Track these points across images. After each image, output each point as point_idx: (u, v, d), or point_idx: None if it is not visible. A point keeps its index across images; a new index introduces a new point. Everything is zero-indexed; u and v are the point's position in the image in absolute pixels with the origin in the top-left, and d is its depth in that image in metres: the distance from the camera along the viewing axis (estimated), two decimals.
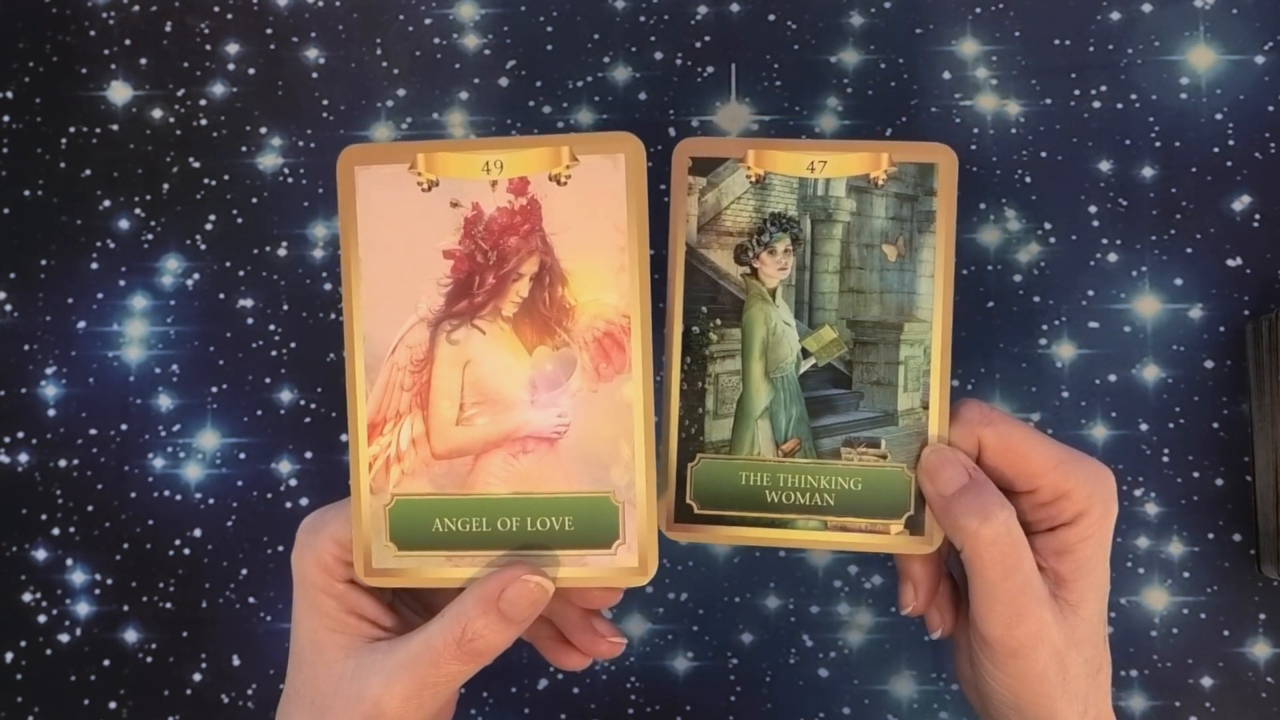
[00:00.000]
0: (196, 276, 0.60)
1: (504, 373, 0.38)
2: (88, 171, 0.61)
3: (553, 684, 0.57)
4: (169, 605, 0.59)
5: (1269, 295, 0.56)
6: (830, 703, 0.56)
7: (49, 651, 0.59)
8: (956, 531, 0.38)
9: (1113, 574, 0.55)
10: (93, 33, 0.61)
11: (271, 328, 0.59)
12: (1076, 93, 0.58)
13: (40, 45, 0.61)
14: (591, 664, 0.57)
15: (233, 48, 0.61)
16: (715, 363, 0.41)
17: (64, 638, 0.59)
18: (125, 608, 0.59)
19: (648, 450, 0.38)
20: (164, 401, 0.59)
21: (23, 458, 0.60)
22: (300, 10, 0.61)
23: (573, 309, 0.38)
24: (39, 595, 0.59)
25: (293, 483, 0.59)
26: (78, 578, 0.59)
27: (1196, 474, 0.56)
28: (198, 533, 0.59)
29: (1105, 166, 0.57)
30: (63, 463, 0.59)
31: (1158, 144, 0.57)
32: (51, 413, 0.60)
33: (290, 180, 0.60)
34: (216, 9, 0.61)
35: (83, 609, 0.59)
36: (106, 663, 0.59)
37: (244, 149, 0.60)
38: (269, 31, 0.61)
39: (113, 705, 0.59)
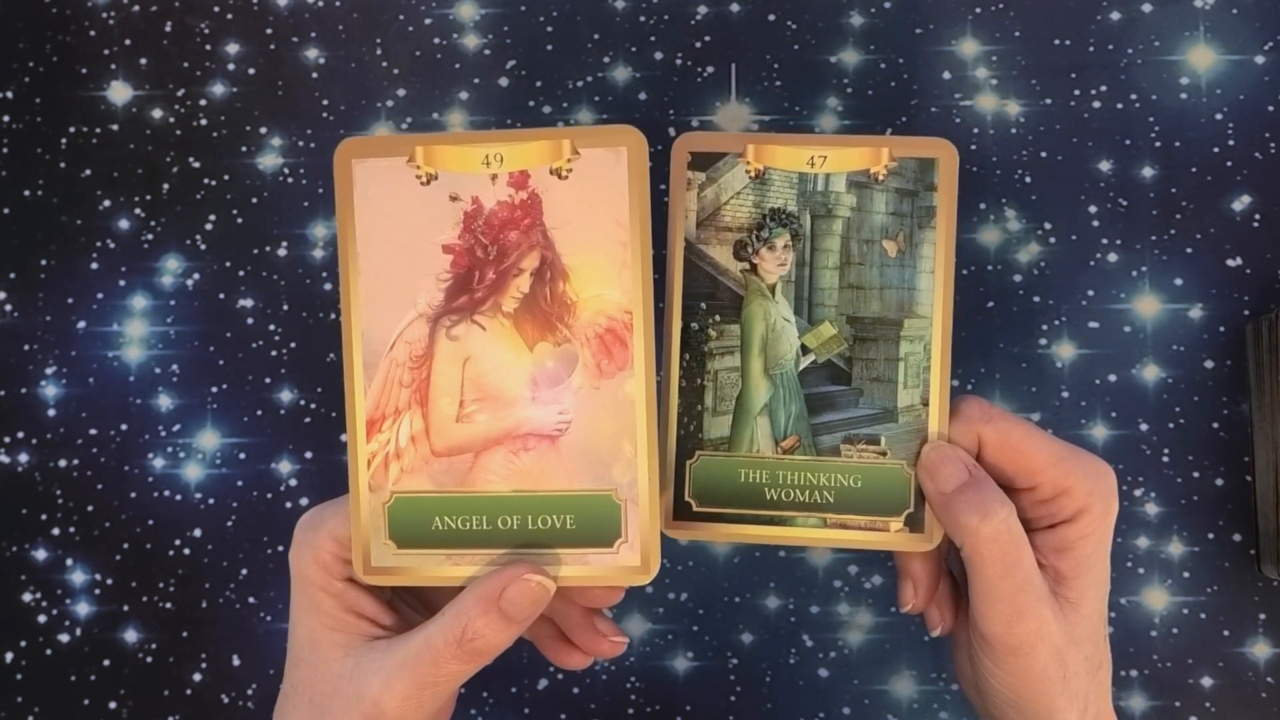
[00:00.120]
0: (196, 276, 0.60)
1: (504, 369, 0.37)
2: (88, 171, 0.61)
3: (553, 684, 0.57)
4: (169, 605, 0.59)
5: (1269, 295, 0.56)
6: (830, 703, 0.56)
7: (49, 651, 0.59)
8: (956, 529, 0.38)
9: (1113, 574, 0.55)
10: (93, 33, 0.61)
11: (271, 328, 0.59)
12: (1076, 93, 0.58)
13: (40, 45, 0.61)
14: (592, 664, 0.57)
15: (233, 48, 0.61)
16: (714, 359, 0.41)
17: (64, 638, 0.59)
18: (125, 608, 0.59)
19: (650, 448, 0.37)
20: (164, 401, 0.59)
21: (23, 458, 0.60)
22: (300, 10, 0.61)
23: (574, 305, 0.37)
24: (39, 595, 0.59)
25: (293, 483, 0.59)
26: (78, 578, 0.59)
27: (1196, 474, 0.56)
28: (198, 533, 0.59)
29: (1105, 166, 0.57)
30: (63, 463, 0.59)
31: (1158, 144, 0.57)
32: (51, 413, 0.60)
33: (290, 180, 0.60)
34: (216, 9, 0.61)
35: (83, 609, 0.59)
36: (106, 663, 0.59)
37: (244, 149, 0.60)
38: (269, 31, 0.61)
39: (113, 705, 0.59)
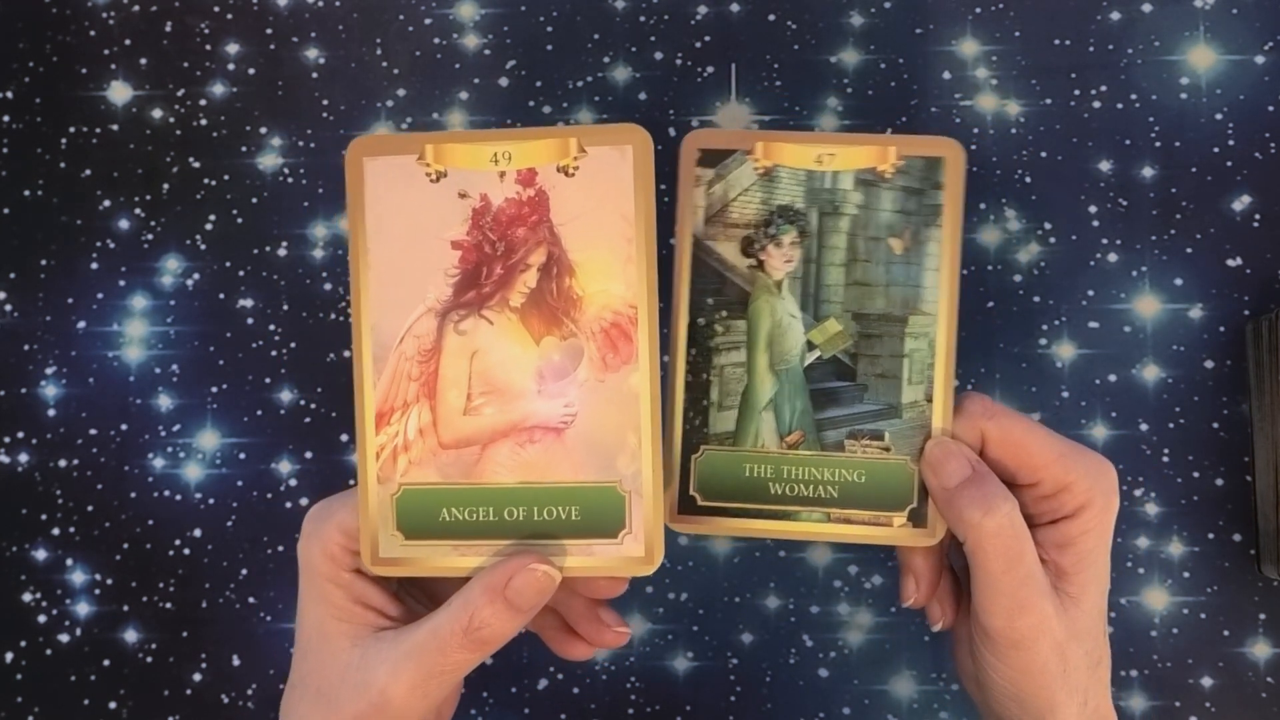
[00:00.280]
0: (196, 276, 0.60)
1: (511, 363, 0.38)
2: (88, 171, 0.61)
3: (553, 684, 0.57)
4: (169, 605, 0.59)
5: (1269, 295, 0.56)
6: (830, 703, 0.56)
7: (49, 651, 0.59)
8: (959, 523, 0.38)
9: (1113, 574, 0.55)
10: (93, 33, 0.61)
11: (271, 328, 0.59)
12: (1076, 93, 0.58)
13: (40, 45, 0.61)
14: (592, 664, 0.57)
15: (233, 48, 0.61)
16: (720, 354, 0.41)
17: (64, 638, 0.59)
18: (125, 608, 0.59)
19: (654, 440, 0.38)
20: (164, 401, 0.59)
21: (23, 458, 0.60)
22: (300, 10, 0.61)
23: (580, 299, 0.38)
24: (39, 595, 0.59)
25: (293, 483, 0.59)
26: (78, 578, 0.59)
27: (1196, 474, 0.56)
28: (198, 533, 0.59)
29: (1105, 166, 0.57)
30: (63, 463, 0.59)
31: (1158, 144, 0.57)
32: (51, 413, 0.60)
33: (290, 180, 0.60)
34: (216, 9, 0.61)
35: (83, 609, 0.59)
36: (106, 663, 0.59)
37: (244, 149, 0.60)
38: (269, 31, 0.61)
39: (113, 705, 0.59)
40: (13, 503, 0.59)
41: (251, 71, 0.61)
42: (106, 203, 0.60)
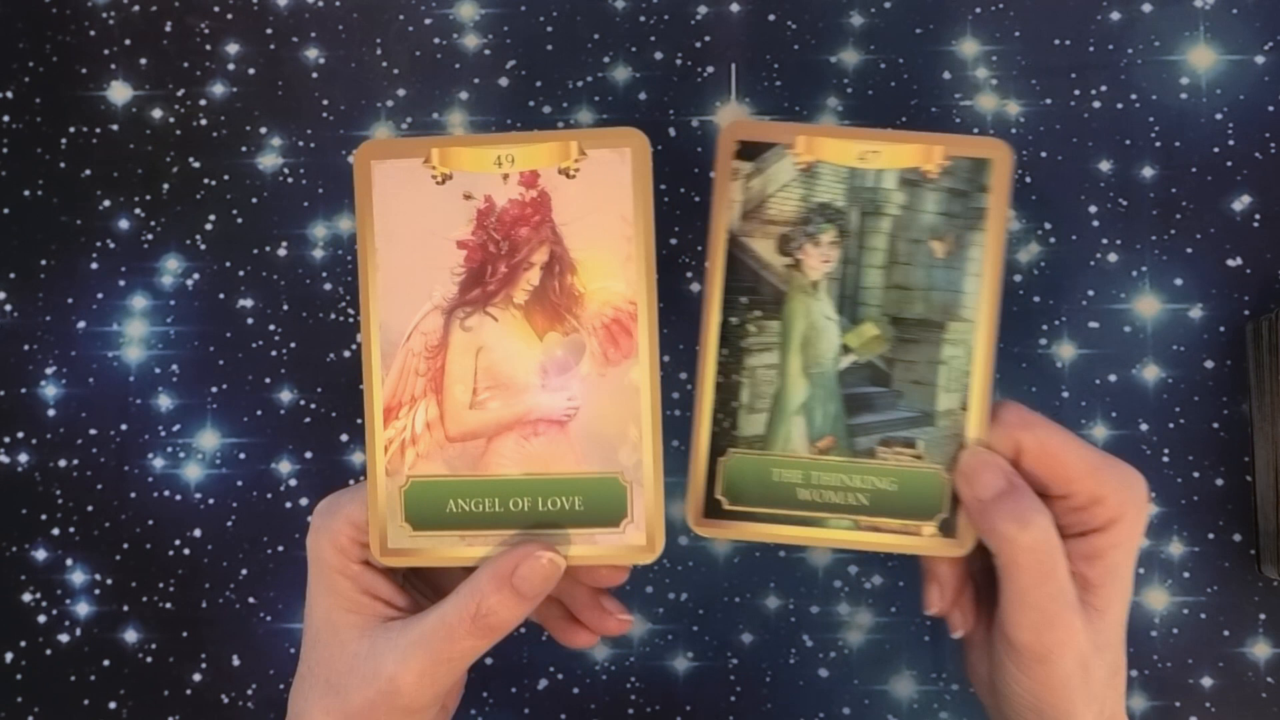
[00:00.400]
0: (196, 276, 0.60)
1: (516, 358, 0.39)
2: (88, 171, 0.61)
3: (553, 684, 0.57)
4: (169, 605, 0.59)
5: (1269, 295, 0.56)
6: (830, 703, 0.56)
7: (49, 651, 0.59)
8: (993, 537, 0.38)
9: None
10: (93, 33, 0.61)
11: (271, 328, 0.59)
12: (1076, 93, 0.58)
13: (40, 45, 0.61)
14: (592, 664, 0.57)
15: (233, 48, 0.61)
16: (752, 355, 0.40)
17: (64, 638, 0.59)
18: (125, 608, 0.59)
19: (654, 432, 0.39)
20: (164, 401, 0.59)
21: (23, 458, 0.60)
22: (300, 10, 0.61)
23: (582, 296, 0.39)
24: (39, 595, 0.59)
25: (293, 483, 0.59)
26: (78, 578, 0.59)
27: (1196, 474, 0.56)
28: (198, 533, 0.59)
29: (1105, 166, 0.57)
30: (63, 463, 0.59)
31: (1158, 144, 0.57)
32: (51, 413, 0.60)
33: (290, 180, 0.60)
34: (216, 9, 0.61)
35: (83, 609, 0.59)
36: (106, 663, 0.59)
37: (244, 149, 0.60)
38: (269, 31, 0.61)
39: (113, 705, 0.59)
40: (13, 503, 0.59)
41: (251, 71, 0.61)
42: (106, 203, 0.60)
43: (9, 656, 0.59)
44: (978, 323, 0.40)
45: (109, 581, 0.59)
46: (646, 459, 0.39)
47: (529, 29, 0.60)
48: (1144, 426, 0.56)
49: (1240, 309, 0.56)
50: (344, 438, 0.59)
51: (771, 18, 0.59)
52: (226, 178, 0.60)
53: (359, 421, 0.59)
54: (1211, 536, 0.55)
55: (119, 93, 0.61)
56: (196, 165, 0.60)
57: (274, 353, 0.59)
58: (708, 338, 0.40)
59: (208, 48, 0.61)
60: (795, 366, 0.40)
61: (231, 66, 0.61)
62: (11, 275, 0.60)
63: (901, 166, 0.39)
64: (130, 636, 0.59)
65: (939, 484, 0.39)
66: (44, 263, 0.60)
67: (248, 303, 0.59)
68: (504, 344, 0.39)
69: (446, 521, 0.39)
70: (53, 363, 0.60)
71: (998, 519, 0.37)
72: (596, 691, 0.57)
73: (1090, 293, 0.57)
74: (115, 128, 0.61)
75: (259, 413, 0.59)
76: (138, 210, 0.60)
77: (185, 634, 0.58)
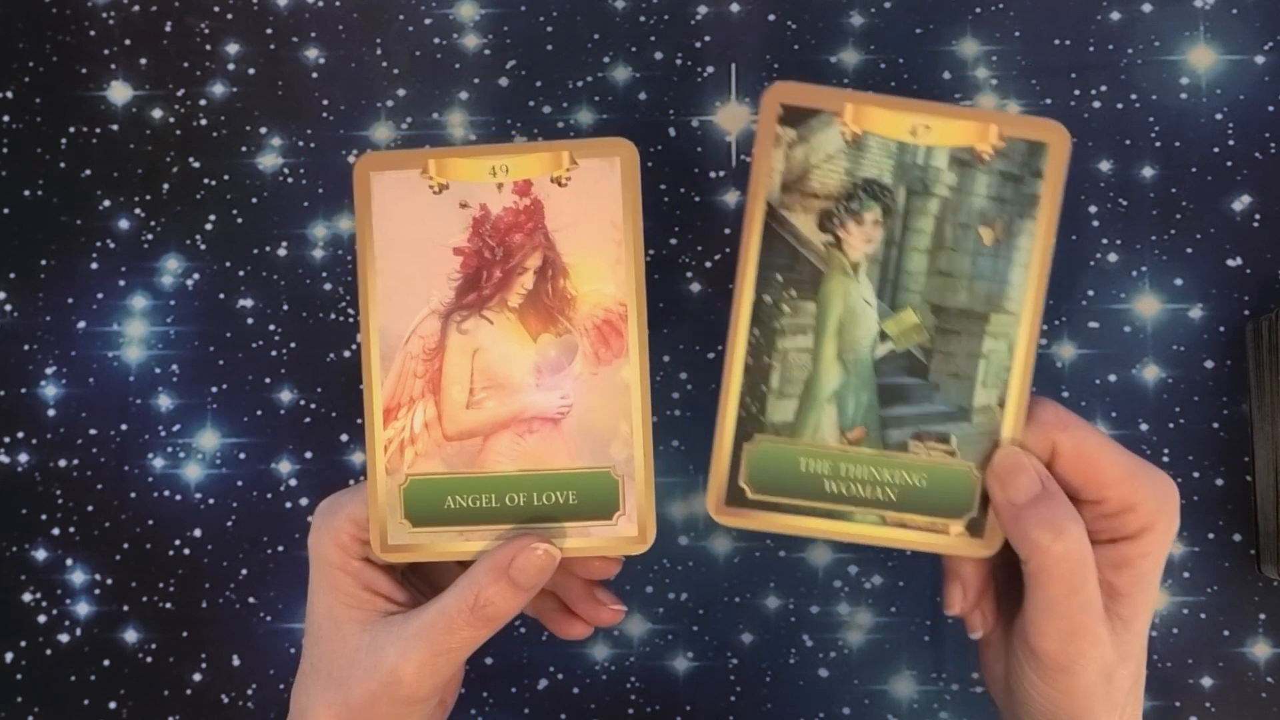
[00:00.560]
0: (196, 276, 0.60)
1: (511, 359, 0.40)
2: (88, 171, 0.61)
3: (553, 684, 0.57)
4: (169, 605, 0.59)
5: (1269, 295, 0.56)
6: (830, 703, 0.56)
7: (49, 651, 0.59)
8: (1025, 543, 0.37)
9: None
10: (93, 33, 0.61)
11: (271, 328, 0.59)
12: (1076, 93, 0.58)
13: (40, 45, 0.61)
14: (592, 664, 0.57)
15: (233, 48, 0.61)
16: (784, 337, 0.38)
17: (64, 638, 0.59)
18: (125, 608, 0.59)
19: (644, 427, 0.40)
20: (164, 401, 0.59)
21: (23, 458, 0.60)
22: (300, 10, 0.61)
23: (574, 299, 0.40)
24: (39, 595, 0.59)
25: (293, 483, 0.59)
26: (78, 578, 0.59)
27: (1196, 474, 0.56)
28: (198, 533, 0.59)
29: (1105, 166, 0.57)
30: (63, 463, 0.59)
31: (1158, 144, 0.57)
32: (51, 413, 0.60)
33: (290, 180, 0.60)
34: (216, 9, 0.61)
35: (83, 609, 0.59)
36: (106, 663, 0.59)
37: (244, 149, 0.60)
38: (269, 31, 0.61)
39: (113, 705, 0.59)
40: (13, 503, 0.59)
41: (251, 71, 0.61)
42: (106, 203, 0.60)
43: (9, 656, 0.59)
44: (1022, 316, 0.38)
45: (109, 581, 0.59)
46: (637, 454, 0.40)
47: (529, 29, 0.60)
48: (1144, 426, 0.56)
49: (1240, 309, 0.56)
50: (344, 438, 0.59)
51: (771, 18, 0.59)
52: (226, 178, 0.60)
53: (359, 421, 0.59)
54: (1211, 536, 0.55)
55: (119, 93, 0.61)
56: (196, 165, 0.60)
57: (274, 353, 0.59)
58: (739, 316, 0.38)
59: (208, 48, 0.61)
60: (829, 351, 0.38)
61: (231, 66, 0.61)
62: (11, 275, 0.60)
63: (954, 144, 0.38)
64: (130, 636, 0.59)
65: (970, 482, 0.38)
66: (44, 263, 0.60)
67: (248, 303, 0.59)
68: (499, 346, 0.40)
69: (445, 518, 0.40)
70: (53, 363, 0.60)
71: (1030, 525, 0.36)
72: (596, 691, 0.57)
73: (1090, 293, 0.57)
74: (115, 128, 0.61)
75: (259, 413, 0.59)
76: (138, 210, 0.60)
77: (185, 634, 0.58)
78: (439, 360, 0.40)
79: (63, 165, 0.61)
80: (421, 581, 0.44)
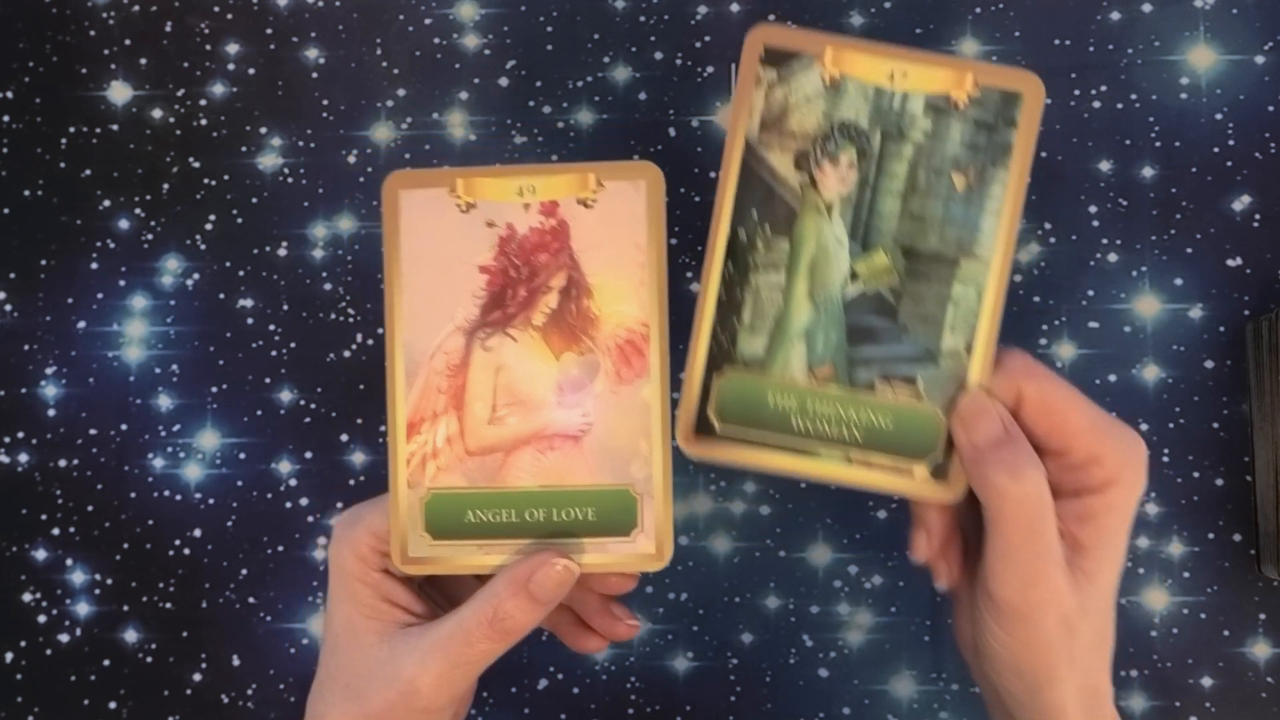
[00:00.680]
0: (196, 276, 0.60)
1: (533, 376, 0.41)
2: (88, 171, 0.61)
3: (553, 684, 0.57)
4: (169, 605, 0.59)
5: (1269, 295, 0.56)
6: (830, 703, 0.56)
7: (49, 651, 0.59)
8: (984, 486, 0.37)
9: None
10: (93, 33, 0.61)
11: (271, 328, 0.59)
12: (1076, 93, 0.58)
13: (40, 45, 0.61)
14: (592, 664, 0.57)
15: (233, 48, 0.61)
16: (758, 273, 0.39)
17: (64, 638, 0.59)
18: (125, 608, 0.59)
19: (664, 447, 0.40)
20: (164, 401, 0.59)
21: (23, 458, 0.60)
22: (300, 10, 0.61)
23: (597, 319, 0.41)
24: (39, 595, 0.59)
25: (293, 483, 0.59)
26: (78, 578, 0.59)
27: (1196, 474, 0.56)
28: (198, 533, 0.59)
29: (1105, 166, 0.57)
30: (63, 463, 0.59)
31: (1158, 144, 0.57)
32: (51, 413, 0.60)
33: (290, 180, 0.60)
34: (216, 9, 0.61)
35: (83, 609, 0.59)
36: (106, 663, 0.59)
37: (244, 149, 0.60)
38: (269, 31, 0.61)
39: (113, 705, 0.59)
40: (13, 503, 0.59)
41: (251, 71, 0.61)
42: (106, 203, 0.60)
43: (9, 656, 0.59)
44: (991, 263, 0.38)
45: (109, 581, 0.59)
46: (656, 472, 0.40)
47: (529, 29, 0.60)
48: (1144, 426, 0.56)
49: (1240, 309, 0.56)
50: (344, 438, 0.59)
51: (771, 18, 0.59)
52: (226, 178, 0.60)
53: (359, 421, 0.59)
54: (1211, 536, 0.55)
55: (119, 93, 0.61)
56: (196, 165, 0.60)
57: (274, 353, 0.59)
58: (714, 250, 0.39)
59: (208, 48, 0.61)
60: (801, 289, 0.39)
61: (231, 66, 0.61)
62: (11, 275, 0.60)
63: (931, 91, 0.38)
64: (130, 636, 0.59)
65: (935, 425, 0.38)
66: (44, 263, 0.60)
67: (248, 303, 0.59)
68: (522, 363, 0.41)
69: (465, 531, 0.41)
70: (53, 363, 0.60)
71: (990, 468, 0.37)
72: (596, 691, 0.57)
73: (1090, 293, 0.57)
74: (115, 128, 0.61)
75: (259, 413, 0.59)
76: (138, 210, 0.60)
77: (185, 634, 0.58)
78: (463, 376, 0.41)
79: (63, 165, 0.61)
80: (438, 594, 0.45)
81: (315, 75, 0.60)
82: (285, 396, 0.59)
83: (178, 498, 0.59)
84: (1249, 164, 0.57)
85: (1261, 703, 0.55)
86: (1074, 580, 0.37)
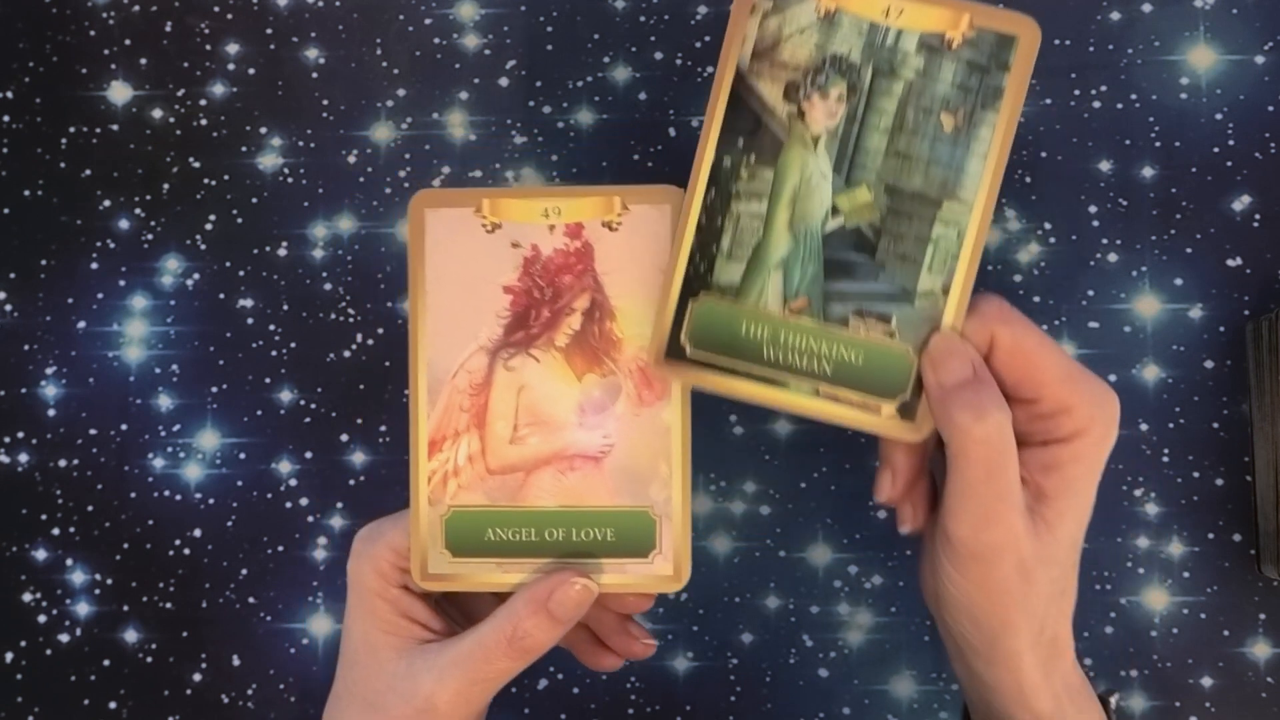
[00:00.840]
0: (196, 276, 0.60)
1: (555, 397, 0.41)
2: (88, 171, 0.61)
3: (553, 684, 0.57)
4: (169, 605, 0.59)
5: (1269, 295, 0.56)
6: (830, 703, 0.56)
7: (49, 651, 0.59)
8: (947, 424, 0.37)
9: (1112, 574, 0.56)
10: (93, 33, 0.61)
11: (271, 328, 0.59)
12: (1076, 93, 0.58)
13: (40, 45, 0.61)
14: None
15: (233, 48, 0.61)
16: (739, 201, 0.39)
17: (64, 638, 0.59)
18: (125, 608, 0.59)
19: (684, 470, 0.41)
20: (164, 401, 0.59)
21: (23, 458, 0.60)
22: (300, 10, 0.61)
23: (620, 341, 0.41)
24: (39, 595, 0.59)
25: (293, 483, 0.59)
26: (78, 578, 0.59)
27: (1196, 474, 0.56)
28: (198, 533, 0.59)
29: (1105, 166, 0.57)
30: (63, 463, 0.59)
31: (1158, 144, 0.57)
32: (51, 413, 0.60)
33: (290, 180, 0.60)
34: (216, 9, 0.61)
35: (83, 609, 0.59)
36: (106, 663, 0.59)
37: (244, 149, 0.60)
38: (269, 31, 0.61)
39: (113, 705, 0.59)
40: (13, 503, 0.59)
41: (251, 71, 0.61)
42: (106, 203, 0.60)
43: (9, 656, 0.59)
44: (974, 206, 0.38)
45: (109, 581, 0.59)
46: (675, 495, 0.41)
47: (529, 29, 0.60)
48: (1144, 426, 0.56)
49: (1240, 309, 0.56)
50: (344, 438, 0.59)
51: None
52: (226, 178, 0.60)
53: (359, 421, 0.59)
54: (1211, 536, 0.55)
55: (119, 93, 0.61)
56: (196, 165, 0.60)
57: (274, 353, 0.59)
58: (698, 175, 0.39)
59: (208, 48, 0.61)
60: (781, 220, 0.39)
61: (231, 66, 0.61)
62: (11, 275, 0.60)
63: (925, 29, 0.38)
64: (130, 636, 0.59)
65: (906, 364, 0.38)
66: (44, 263, 0.60)
67: (248, 303, 0.59)
68: (545, 384, 0.41)
69: (485, 549, 0.41)
70: (53, 363, 0.60)
71: (954, 407, 0.37)
72: (596, 691, 0.57)
73: (1090, 293, 0.57)
74: (115, 128, 0.61)
75: (259, 413, 0.59)
76: (138, 210, 0.60)
77: (185, 634, 0.58)
78: (485, 395, 0.41)
79: (63, 165, 0.61)
80: (455, 610, 0.45)
81: (315, 75, 0.60)
82: (285, 396, 0.59)
83: (178, 498, 0.59)
84: (1249, 164, 0.57)
85: (1261, 703, 0.55)
86: (1034, 527, 0.37)
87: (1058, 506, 0.37)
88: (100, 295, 0.60)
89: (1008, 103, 0.38)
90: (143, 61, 0.61)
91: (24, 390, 0.60)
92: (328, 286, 0.59)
